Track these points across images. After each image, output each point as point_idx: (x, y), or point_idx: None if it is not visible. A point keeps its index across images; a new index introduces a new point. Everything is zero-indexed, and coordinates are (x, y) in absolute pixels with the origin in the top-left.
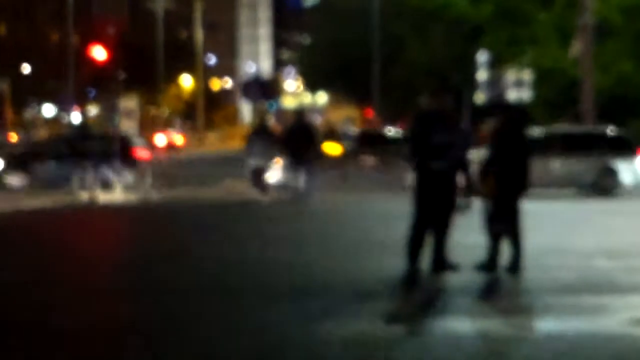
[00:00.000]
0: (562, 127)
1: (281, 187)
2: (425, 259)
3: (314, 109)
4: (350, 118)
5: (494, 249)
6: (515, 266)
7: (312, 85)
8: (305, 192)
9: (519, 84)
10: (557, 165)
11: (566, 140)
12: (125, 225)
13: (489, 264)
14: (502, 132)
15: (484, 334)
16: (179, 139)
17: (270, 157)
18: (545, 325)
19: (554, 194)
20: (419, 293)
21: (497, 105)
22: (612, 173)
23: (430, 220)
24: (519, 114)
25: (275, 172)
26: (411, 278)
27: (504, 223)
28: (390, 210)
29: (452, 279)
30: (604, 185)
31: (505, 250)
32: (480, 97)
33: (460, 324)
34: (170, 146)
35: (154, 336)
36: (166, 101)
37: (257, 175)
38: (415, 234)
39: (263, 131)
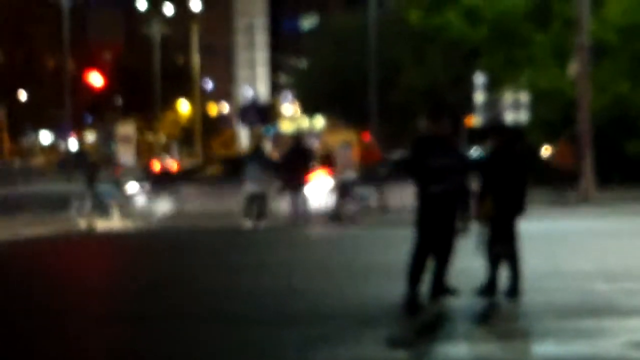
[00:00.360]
0: None
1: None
2: (426, 284)
3: (311, 133)
4: (347, 142)
5: (493, 272)
6: (514, 290)
7: (309, 109)
8: (303, 216)
9: (516, 105)
10: None
11: None
12: (124, 253)
13: (489, 288)
14: (499, 154)
15: (484, 359)
16: (172, 165)
17: (265, 183)
18: (545, 349)
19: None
20: (420, 318)
21: (494, 127)
22: None
23: (431, 245)
24: (515, 136)
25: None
26: (412, 303)
27: (502, 246)
28: (389, 234)
29: (452, 304)
30: None
31: (504, 274)
32: (477, 119)
33: (460, 349)
34: (165, 172)
35: None
36: (163, 127)
37: (252, 201)
38: (416, 259)
39: (257, 156)
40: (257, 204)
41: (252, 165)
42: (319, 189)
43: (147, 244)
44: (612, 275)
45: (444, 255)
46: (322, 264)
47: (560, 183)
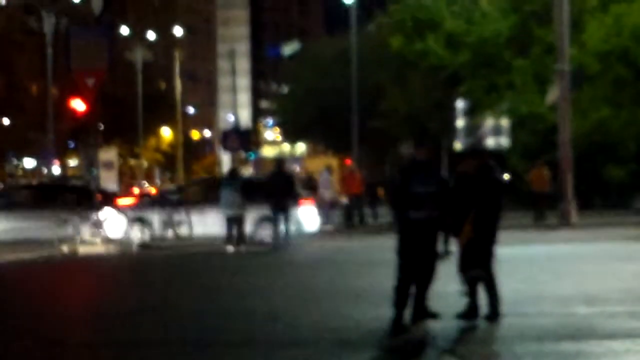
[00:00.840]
0: None
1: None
2: (409, 308)
3: (293, 158)
4: (329, 167)
5: (473, 296)
6: (494, 313)
7: (290, 135)
8: (285, 240)
9: (496, 130)
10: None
11: None
12: (105, 277)
13: (470, 312)
14: (477, 178)
15: None
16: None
17: (242, 206)
18: None
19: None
20: (401, 341)
21: (473, 152)
22: None
23: (413, 270)
24: (496, 160)
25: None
26: (398, 327)
27: (477, 270)
28: (371, 258)
29: (434, 328)
30: None
31: (483, 297)
32: (458, 145)
33: None
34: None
35: None
36: (145, 152)
37: (232, 225)
38: (400, 283)
39: (233, 179)
40: (236, 228)
41: (228, 190)
42: (306, 215)
43: (130, 269)
44: (592, 299)
45: (425, 279)
46: (304, 287)
47: (536, 207)
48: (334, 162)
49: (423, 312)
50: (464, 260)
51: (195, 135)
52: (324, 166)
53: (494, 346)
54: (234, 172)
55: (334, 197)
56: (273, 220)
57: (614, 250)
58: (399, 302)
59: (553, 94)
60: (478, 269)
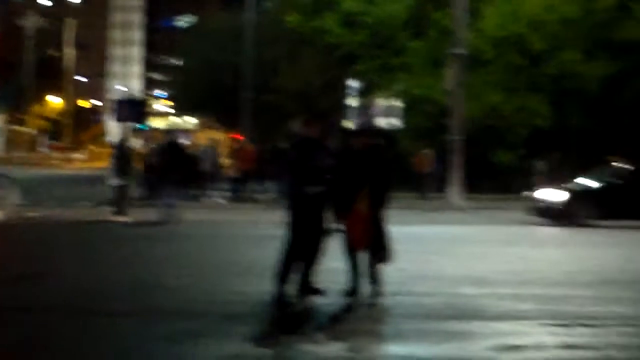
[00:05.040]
0: None
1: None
2: (294, 283)
3: (183, 131)
4: (214, 140)
5: (355, 272)
6: (378, 292)
7: (182, 108)
8: (171, 210)
9: (388, 111)
10: None
11: None
12: None
13: (355, 289)
14: (366, 157)
15: (350, 357)
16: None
17: (129, 175)
18: (412, 349)
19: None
20: (286, 316)
21: (363, 130)
22: None
23: (302, 245)
24: (387, 141)
25: None
26: (280, 301)
27: (381, 250)
28: (259, 232)
29: (318, 303)
30: None
31: (365, 274)
32: (349, 124)
33: (325, 348)
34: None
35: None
36: (32, 120)
37: (118, 194)
38: (287, 258)
39: (122, 150)
40: (122, 198)
41: (117, 160)
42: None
43: (11, 236)
44: (479, 280)
45: (312, 255)
46: (191, 260)
47: (419, 188)
48: (220, 136)
49: (308, 288)
50: (353, 238)
51: (84, 104)
52: (207, 140)
53: (379, 324)
54: (122, 143)
55: (214, 171)
56: (160, 192)
57: (499, 233)
58: (284, 276)
59: (449, 78)
60: (381, 251)
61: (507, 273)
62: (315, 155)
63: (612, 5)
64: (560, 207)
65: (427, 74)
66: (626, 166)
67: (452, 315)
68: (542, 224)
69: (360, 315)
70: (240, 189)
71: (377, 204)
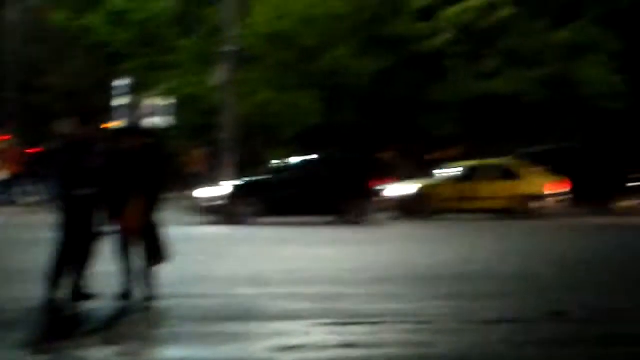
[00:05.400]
0: None
1: None
2: (65, 288)
3: None
4: None
5: (129, 275)
6: (153, 296)
7: None
8: None
9: (157, 110)
10: None
11: None
12: None
13: (128, 293)
14: (136, 157)
15: None
16: None
17: None
18: (190, 352)
19: None
20: (58, 322)
21: (130, 130)
22: None
23: (74, 248)
24: (153, 139)
25: None
26: (52, 306)
27: (158, 255)
28: (27, 236)
29: (92, 307)
30: None
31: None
32: (118, 124)
33: (99, 353)
34: None
35: None
36: None
37: None
38: (58, 262)
39: None
40: None
41: None
42: None
43: None
44: (254, 280)
45: (83, 259)
46: None
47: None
48: None
49: (80, 293)
50: (126, 226)
51: None
52: None
53: (154, 327)
54: None
55: None
56: None
57: (267, 233)
58: (55, 280)
59: (219, 75)
60: (156, 252)
61: (281, 272)
62: (84, 156)
63: (380, 1)
64: (221, 204)
65: (197, 71)
66: (286, 160)
67: (229, 317)
68: (206, 223)
69: (134, 319)
70: (7, 191)
71: (151, 205)
